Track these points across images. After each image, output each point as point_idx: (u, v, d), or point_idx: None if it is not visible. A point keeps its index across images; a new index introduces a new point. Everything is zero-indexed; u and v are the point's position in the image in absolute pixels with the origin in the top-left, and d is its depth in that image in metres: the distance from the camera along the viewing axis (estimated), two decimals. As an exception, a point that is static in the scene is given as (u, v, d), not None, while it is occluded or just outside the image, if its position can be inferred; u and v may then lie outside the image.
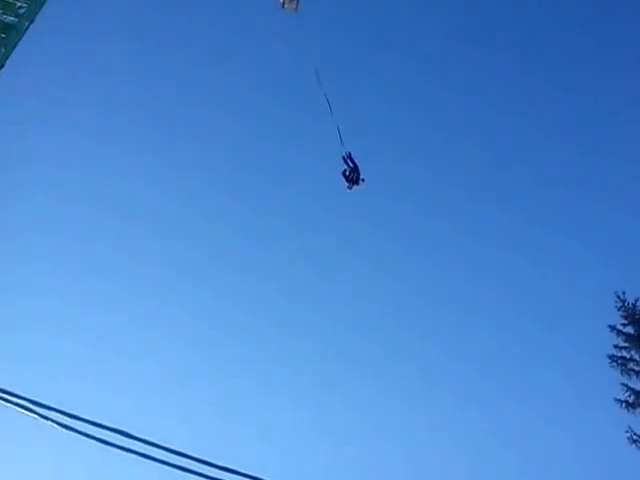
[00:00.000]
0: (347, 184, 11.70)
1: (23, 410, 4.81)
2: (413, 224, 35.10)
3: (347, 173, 11.63)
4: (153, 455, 4.95)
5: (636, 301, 21.89)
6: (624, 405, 20.47)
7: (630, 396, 20.57)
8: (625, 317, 21.87)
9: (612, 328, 21.75)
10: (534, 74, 34.74)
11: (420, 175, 34.45)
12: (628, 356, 21.22)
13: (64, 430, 4.84)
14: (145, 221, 33.35)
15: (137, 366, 32.24)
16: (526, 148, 35.39)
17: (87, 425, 4.87)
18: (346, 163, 12.03)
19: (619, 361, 21.13)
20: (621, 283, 23.19)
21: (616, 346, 21.45)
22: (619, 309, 22.05)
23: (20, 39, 13.06)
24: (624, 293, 22.14)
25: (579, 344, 32.03)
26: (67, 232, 32.12)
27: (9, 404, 4.77)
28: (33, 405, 4.82)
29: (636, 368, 21.02)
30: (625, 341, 21.52)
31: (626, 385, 20.81)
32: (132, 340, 32.90)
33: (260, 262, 34.06)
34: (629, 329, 21.66)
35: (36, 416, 4.83)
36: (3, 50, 12.93)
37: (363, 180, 11.63)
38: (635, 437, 20.05)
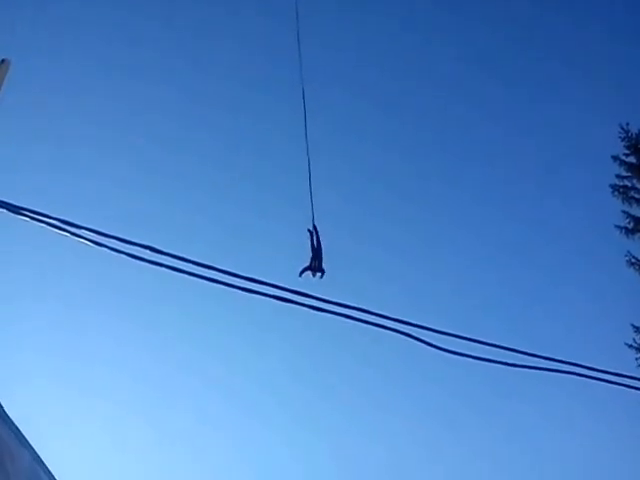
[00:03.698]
0: (310, 272, 9.47)
1: (56, 229, 5.04)
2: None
3: (310, 262, 9.36)
4: (181, 267, 5.25)
5: (639, 131, 22.15)
6: (624, 231, 21.22)
7: (630, 223, 21.27)
8: (628, 147, 22.18)
9: (615, 158, 22.11)
10: None
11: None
12: (630, 185, 21.74)
13: (95, 247, 5.10)
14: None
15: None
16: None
17: (117, 242, 5.13)
18: (311, 239, 9.46)
19: (621, 190, 21.64)
20: (625, 115, 23.31)
21: (618, 176, 21.90)
22: (623, 139, 22.32)
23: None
24: (628, 124, 22.35)
25: (581, 175, 32.43)
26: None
27: (42, 224, 5.00)
28: (65, 224, 5.05)
29: (637, 196, 21.59)
30: (627, 170, 21.93)
31: (627, 212, 21.47)
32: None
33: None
34: (631, 159, 22.06)
35: (68, 234, 5.07)
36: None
37: (323, 273, 9.00)
38: (633, 260, 20.93)
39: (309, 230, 9.06)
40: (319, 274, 9.12)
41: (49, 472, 4.65)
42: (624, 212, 21.50)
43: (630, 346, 20.57)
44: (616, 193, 21.67)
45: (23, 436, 4.19)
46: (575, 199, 32.45)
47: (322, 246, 9.10)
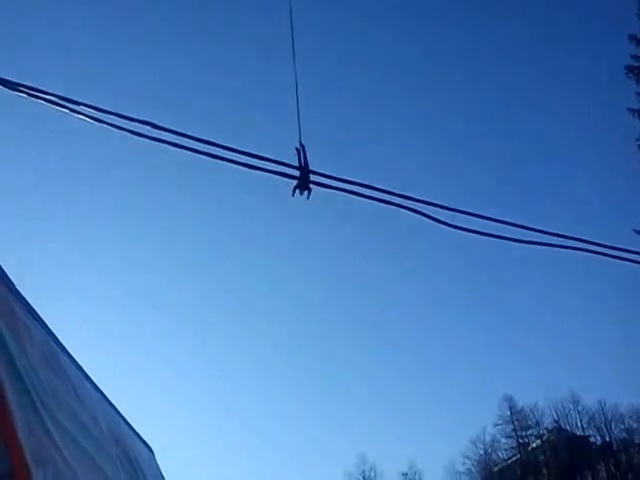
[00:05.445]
0: (299, 191, 9.09)
1: (55, 105, 4.92)
2: None
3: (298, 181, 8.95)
4: (182, 144, 5.15)
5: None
6: (637, 114, 20.48)
7: (644, 105, 20.55)
8: (647, 26, 21.20)
9: (632, 38, 21.13)
10: None
11: None
12: (646, 66, 20.86)
13: (95, 123, 4.98)
14: None
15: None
16: None
17: (117, 118, 5.01)
18: (298, 157, 9.27)
19: (636, 71, 20.77)
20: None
21: (634, 56, 20.97)
22: (640, 17, 21.34)
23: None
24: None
25: (596, 56, 31.75)
26: None
27: (39, 100, 4.88)
28: (62, 100, 4.93)
29: (654, 78, 20.75)
30: (644, 51, 21.04)
31: (641, 95, 20.71)
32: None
33: None
34: (650, 38, 21.13)
35: (66, 110, 4.95)
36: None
37: (309, 192, 8.58)
38: (645, 145, 20.43)
39: (297, 148, 9.17)
40: (307, 192, 9.27)
41: (64, 347, 4.76)
42: (638, 94, 20.80)
43: (638, 232, 20.49)
44: (631, 75, 20.85)
45: (35, 311, 4.26)
46: (588, 80, 31.90)
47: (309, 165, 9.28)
